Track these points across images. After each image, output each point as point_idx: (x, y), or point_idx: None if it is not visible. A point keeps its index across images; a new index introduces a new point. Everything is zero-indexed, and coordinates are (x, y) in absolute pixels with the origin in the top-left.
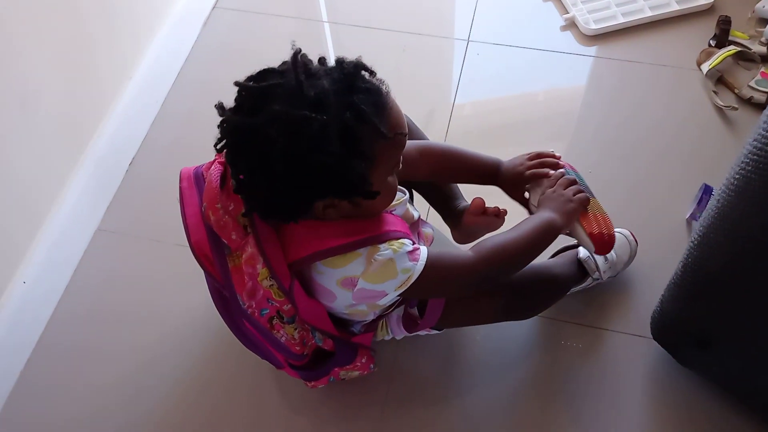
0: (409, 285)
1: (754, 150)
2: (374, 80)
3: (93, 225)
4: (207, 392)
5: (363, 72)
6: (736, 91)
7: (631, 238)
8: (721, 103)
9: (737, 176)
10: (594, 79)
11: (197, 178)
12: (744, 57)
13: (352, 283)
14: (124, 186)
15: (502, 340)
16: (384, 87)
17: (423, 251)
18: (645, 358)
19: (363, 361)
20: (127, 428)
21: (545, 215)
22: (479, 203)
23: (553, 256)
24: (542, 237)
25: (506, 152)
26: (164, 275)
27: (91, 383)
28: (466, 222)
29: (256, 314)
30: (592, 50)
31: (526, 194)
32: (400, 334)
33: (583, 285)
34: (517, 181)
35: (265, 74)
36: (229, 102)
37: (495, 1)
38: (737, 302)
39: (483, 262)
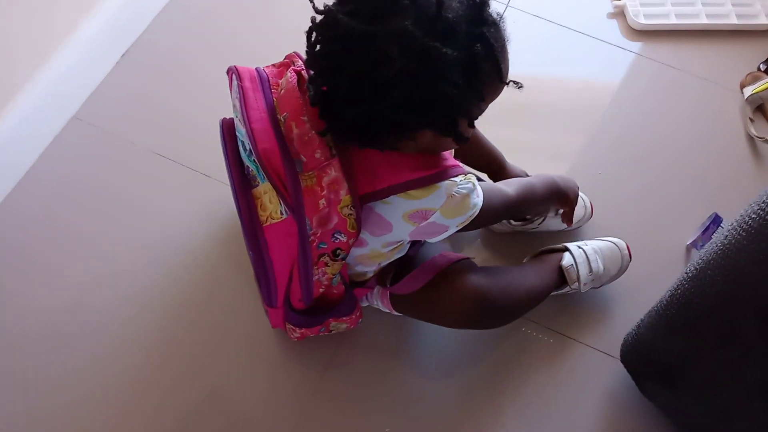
0: (470, 221)
1: None
2: (497, 14)
3: (70, 111)
4: (153, 310)
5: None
6: None
7: (626, 251)
8: (755, 133)
9: (753, 216)
10: (629, 77)
11: (262, 81)
12: None
13: (423, 216)
14: (112, 77)
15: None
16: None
17: (479, 188)
18: (607, 378)
19: (357, 314)
20: (69, 335)
21: (554, 178)
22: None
23: (535, 256)
24: (551, 191)
25: (517, 132)
26: (132, 180)
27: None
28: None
29: (315, 243)
30: (635, 46)
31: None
32: (365, 302)
33: (561, 291)
34: None
35: None
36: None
37: None
38: (712, 350)
39: (517, 198)
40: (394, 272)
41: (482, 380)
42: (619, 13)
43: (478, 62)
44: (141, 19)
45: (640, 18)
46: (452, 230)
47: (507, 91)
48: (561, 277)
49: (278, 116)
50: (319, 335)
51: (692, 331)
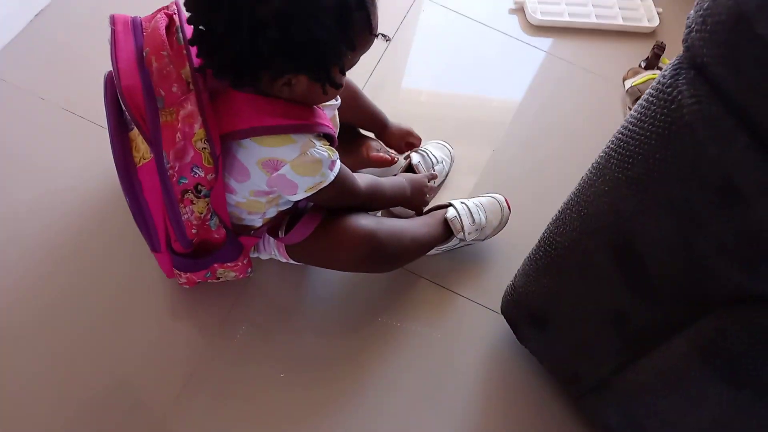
0: (318, 189)
1: (622, 129)
2: None
3: None
4: (64, 271)
5: None
6: None
7: (505, 204)
8: None
9: (602, 154)
10: (523, 66)
11: (134, 25)
12: None
13: (274, 167)
14: (24, 34)
15: (356, 278)
16: None
17: (338, 165)
18: (489, 332)
19: (244, 262)
20: None
21: (406, 187)
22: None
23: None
24: (399, 196)
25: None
26: (39, 134)
27: None
28: (372, 157)
29: (174, 178)
30: (531, 39)
31: (412, 158)
32: (266, 254)
33: (449, 245)
34: (398, 145)
35: None
36: None
37: None
38: (574, 284)
39: (366, 193)
40: (286, 223)
41: (372, 335)
42: (519, 9)
43: (351, 12)
44: None
45: (537, 14)
46: (301, 192)
47: (411, 75)
48: (447, 230)
49: (143, 54)
50: (211, 281)
51: (556, 270)
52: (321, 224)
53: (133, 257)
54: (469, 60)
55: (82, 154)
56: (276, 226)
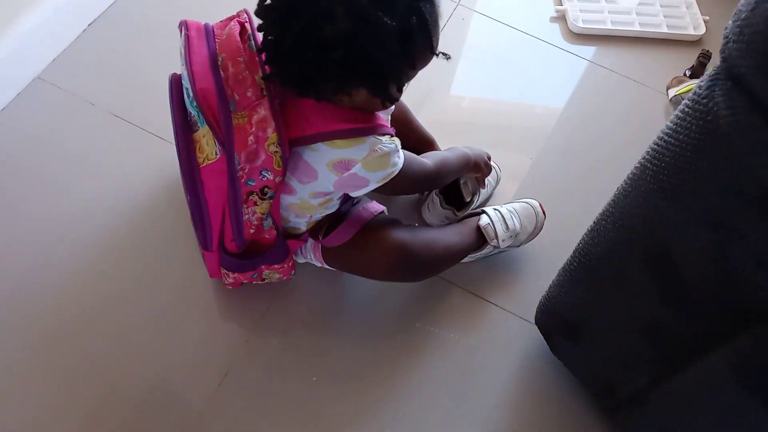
0: (390, 179)
1: (657, 139)
2: None
3: (34, 71)
4: (114, 270)
5: None
6: None
7: (539, 209)
8: None
9: (637, 165)
10: (565, 75)
11: (207, 31)
12: None
13: (345, 167)
14: (78, 43)
15: (390, 284)
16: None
17: (402, 152)
18: (522, 341)
19: (289, 264)
20: (19, 306)
21: (468, 153)
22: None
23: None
24: (463, 164)
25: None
26: (87, 137)
27: None
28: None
29: (243, 180)
30: (573, 47)
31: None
32: (302, 257)
33: (482, 252)
34: None
35: None
36: None
37: None
38: (609, 295)
39: (436, 168)
40: (326, 227)
41: (406, 342)
42: (561, 18)
43: (413, 33)
44: None
45: (579, 22)
46: (372, 185)
47: (451, 83)
48: (480, 238)
49: (218, 59)
50: (253, 283)
51: (591, 281)
52: (359, 231)
53: (174, 256)
54: (510, 68)
55: (129, 157)
56: (317, 229)
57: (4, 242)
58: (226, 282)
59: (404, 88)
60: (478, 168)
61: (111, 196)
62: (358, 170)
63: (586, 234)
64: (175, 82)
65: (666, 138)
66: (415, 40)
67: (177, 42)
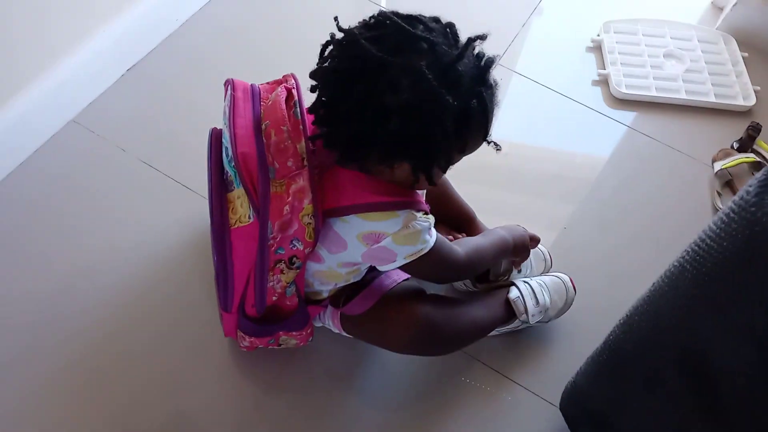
0: (418, 256)
1: (698, 241)
2: (495, 80)
3: (69, 114)
4: (136, 322)
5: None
6: None
7: (570, 285)
8: (721, 206)
9: (675, 263)
10: (604, 141)
11: (254, 93)
12: (760, 168)
13: (376, 239)
14: (114, 89)
15: (408, 356)
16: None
17: (434, 232)
18: (545, 426)
19: (308, 331)
20: (47, 344)
21: (508, 240)
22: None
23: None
24: (501, 252)
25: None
26: (117, 184)
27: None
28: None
29: (273, 248)
30: (612, 112)
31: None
32: (319, 322)
33: (510, 326)
34: None
35: (415, 21)
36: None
37: (541, 34)
38: (639, 396)
39: (467, 258)
40: (347, 294)
41: (423, 417)
42: (603, 81)
43: (471, 116)
44: (150, 38)
45: (622, 87)
46: (399, 261)
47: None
48: (509, 311)
49: (262, 125)
50: (269, 348)
51: (621, 378)
52: (380, 300)
53: (192, 313)
54: (547, 130)
55: (156, 207)
56: (338, 295)
57: (19, 290)
58: (242, 345)
59: (447, 170)
60: (517, 253)
61: (134, 246)
62: (387, 243)
63: (617, 327)
64: (216, 138)
65: (708, 242)
66: (471, 123)
67: (214, 97)
